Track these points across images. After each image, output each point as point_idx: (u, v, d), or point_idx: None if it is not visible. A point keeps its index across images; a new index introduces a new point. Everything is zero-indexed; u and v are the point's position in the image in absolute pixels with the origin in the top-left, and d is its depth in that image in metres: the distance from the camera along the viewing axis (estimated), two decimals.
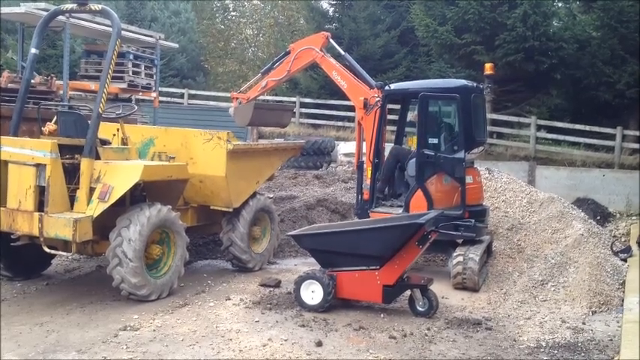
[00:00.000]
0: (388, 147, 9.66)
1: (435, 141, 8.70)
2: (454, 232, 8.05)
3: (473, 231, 8.33)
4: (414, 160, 8.95)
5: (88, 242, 6.97)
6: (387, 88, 9.12)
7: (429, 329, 6.56)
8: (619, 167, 17.19)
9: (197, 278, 8.22)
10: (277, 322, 6.52)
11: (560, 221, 9.57)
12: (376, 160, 9.04)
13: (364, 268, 6.96)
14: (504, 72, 18.35)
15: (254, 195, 8.71)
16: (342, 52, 9.83)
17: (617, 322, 7.05)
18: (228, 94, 20.53)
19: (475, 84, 9.10)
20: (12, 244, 7.22)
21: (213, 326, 6.32)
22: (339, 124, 22.22)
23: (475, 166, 9.33)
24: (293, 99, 23.31)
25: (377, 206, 8.98)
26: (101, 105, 6.90)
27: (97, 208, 6.62)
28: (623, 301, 7.62)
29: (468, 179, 8.57)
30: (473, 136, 8.63)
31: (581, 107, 20.31)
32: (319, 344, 5.91)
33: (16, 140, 6.96)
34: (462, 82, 9.22)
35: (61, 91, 13.18)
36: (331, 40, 9.63)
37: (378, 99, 9.01)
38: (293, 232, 7.69)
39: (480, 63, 18.26)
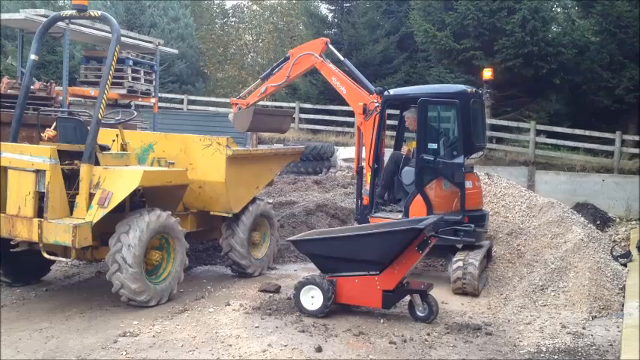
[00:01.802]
0: (388, 152, 9.66)
1: (435, 146, 8.70)
2: (454, 237, 8.06)
3: (472, 236, 8.34)
4: (407, 168, 8.97)
5: (88, 248, 6.97)
6: (386, 93, 9.13)
7: (428, 334, 6.55)
8: (618, 172, 17.20)
9: (197, 284, 8.21)
10: (277, 327, 6.51)
11: (559, 226, 9.56)
12: (375, 166, 9.04)
13: (364, 273, 6.95)
14: (503, 77, 18.39)
15: (254, 200, 8.71)
16: (342, 58, 9.85)
17: (618, 327, 7.04)
18: (227, 100, 20.55)
19: (474, 89, 9.10)
20: (11, 250, 7.21)
21: (213, 332, 6.31)
22: (339, 129, 22.25)
23: (474, 171, 9.33)
24: (292, 104, 23.35)
25: (376, 211, 8.98)
26: (100, 111, 6.90)
27: (96, 214, 6.61)
28: (623, 305, 7.62)
29: (468, 184, 8.57)
30: (472, 141, 8.62)
31: (581, 112, 20.33)
32: (319, 350, 5.90)
33: (15, 146, 6.95)
34: (461, 87, 9.21)
35: (61, 97, 13.20)
36: (330, 46, 9.65)
37: (377, 104, 9.02)
38: (293, 238, 7.67)
39: (479, 68, 18.33)
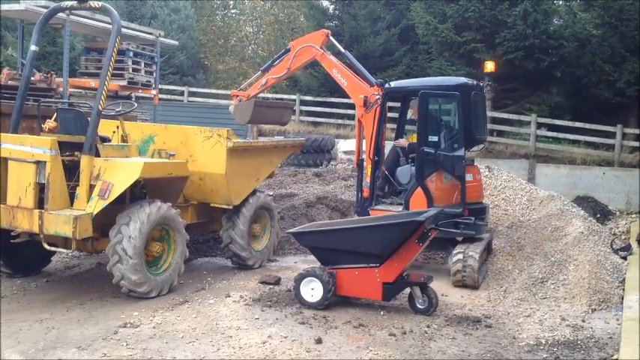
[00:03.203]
0: (388, 145, 9.65)
1: (435, 139, 8.69)
2: (454, 230, 8.06)
3: (472, 229, 8.35)
4: (402, 167, 8.98)
5: (88, 239, 6.98)
6: (387, 85, 9.12)
7: (428, 327, 6.57)
8: (619, 165, 17.19)
9: (197, 275, 8.23)
10: (277, 319, 6.53)
11: (560, 219, 9.57)
12: (376, 158, 9.04)
13: (364, 265, 6.97)
14: (504, 70, 18.33)
15: (254, 192, 8.71)
16: (342, 50, 9.83)
17: (617, 319, 7.05)
18: (228, 92, 20.51)
19: (475, 82, 9.09)
20: (12, 241, 7.22)
21: (213, 323, 6.33)
22: (339, 121, 22.22)
23: (475, 163, 9.33)
24: (293, 97, 23.32)
25: (377, 204, 8.99)
26: (101, 102, 6.90)
27: (96, 206, 6.61)
28: (622, 298, 7.63)
29: (468, 177, 8.57)
30: (473, 134, 8.62)
31: (581, 105, 20.31)
32: (319, 341, 5.91)
33: (16, 137, 6.95)
34: (462, 79, 9.20)
35: (61, 89, 13.18)
36: (331, 38, 9.63)
37: (378, 97, 9.01)
38: (293, 230, 7.69)
39: (480, 61, 18.30)
